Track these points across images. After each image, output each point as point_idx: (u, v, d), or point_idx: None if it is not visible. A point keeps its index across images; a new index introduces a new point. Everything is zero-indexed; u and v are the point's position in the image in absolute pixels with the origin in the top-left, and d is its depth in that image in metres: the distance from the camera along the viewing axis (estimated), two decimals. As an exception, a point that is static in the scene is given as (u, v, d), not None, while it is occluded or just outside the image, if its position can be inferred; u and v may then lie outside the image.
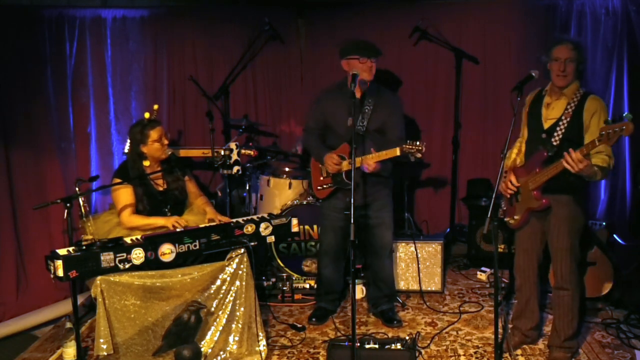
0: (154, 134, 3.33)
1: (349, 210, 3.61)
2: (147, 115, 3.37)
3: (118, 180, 3.30)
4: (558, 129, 2.97)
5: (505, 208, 3.24)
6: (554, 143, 2.97)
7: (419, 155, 3.28)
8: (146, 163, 3.38)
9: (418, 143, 3.26)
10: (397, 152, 3.33)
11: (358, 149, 3.49)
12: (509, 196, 3.17)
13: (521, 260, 3.27)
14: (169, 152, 3.48)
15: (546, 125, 3.04)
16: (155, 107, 3.42)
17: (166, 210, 3.43)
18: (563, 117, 2.96)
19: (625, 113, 2.58)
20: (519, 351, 3.31)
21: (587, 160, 2.73)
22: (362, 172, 3.47)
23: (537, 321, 3.34)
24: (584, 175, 2.79)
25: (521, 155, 3.22)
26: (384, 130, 3.54)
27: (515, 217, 3.15)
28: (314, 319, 3.81)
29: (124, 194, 3.32)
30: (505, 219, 3.22)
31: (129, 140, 3.47)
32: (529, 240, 3.20)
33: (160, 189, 3.44)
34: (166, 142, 3.39)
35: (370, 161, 3.40)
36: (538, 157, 2.99)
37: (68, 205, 2.92)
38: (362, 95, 3.52)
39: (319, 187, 3.73)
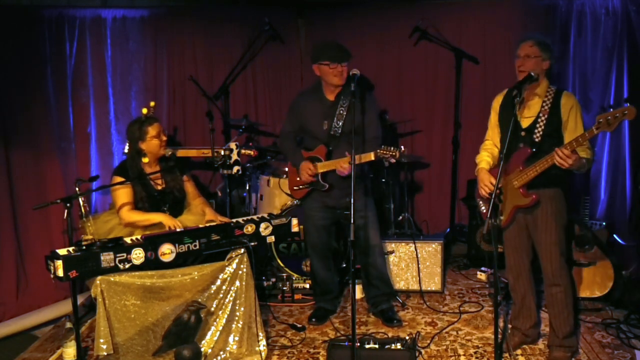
0: (152, 130, 3.34)
1: (327, 209, 3.65)
2: (144, 111, 3.39)
3: (117, 178, 3.32)
4: (538, 125, 3.01)
5: (485, 210, 3.20)
6: (536, 140, 3.00)
7: (393, 160, 3.29)
8: (145, 160, 3.38)
9: (393, 148, 3.27)
10: (372, 156, 3.35)
11: (335, 151, 3.53)
12: (487, 196, 3.13)
13: (512, 259, 3.27)
14: (169, 152, 3.49)
15: (525, 124, 3.06)
16: (152, 104, 3.44)
17: (165, 209, 3.44)
18: (541, 114, 3.01)
19: (625, 97, 2.61)
20: (519, 351, 3.31)
21: (575, 154, 2.78)
22: (337, 174, 3.50)
23: (535, 319, 3.34)
24: (574, 168, 2.84)
25: (494, 157, 3.24)
26: (359, 131, 3.53)
27: (501, 217, 3.15)
28: (313, 319, 3.81)
29: (123, 192, 3.34)
30: (489, 221, 3.17)
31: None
32: (517, 238, 3.20)
33: (159, 187, 3.45)
34: (164, 138, 3.41)
35: (345, 164, 3.41)
36: (520, 155, 3.01)
37: (68, 205, 2.93)
38: (336, 97, 3.53)
39: (295, 188, 3.76)
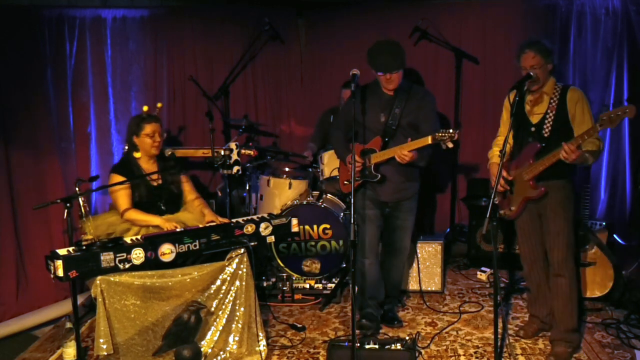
0: (148, 128, 3.40)
1: (378, 204, 3.57)
2: (145, 108, 3.45)
3: (116, 176, 3.38)
4: (546, 121, 3.14)
5: (497, 201, 3.31)
6: (545, 135, 3.14)
7: (450, 144, 3.20)
8: (137, 155, 3.44)
9: (451, 130, 3.17)
10: (429, 140, 3.24)
11: (390, 144, 3.50)
12: (502, 190, 3.27)
13: (525, 248, 3.37)
14: (169, 152, 3.52)
15: (534, 120, 3.19)
16: (159, 105, 3.53)
17: (161, 204, 3.47)
18: (549, 111, 3.13)
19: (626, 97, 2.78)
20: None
21: (579, 150, 2.91)
22: (391, 166, 3.46)
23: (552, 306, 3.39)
24: (577, 162, 2.97)
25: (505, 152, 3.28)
26: (417, 125, 3.51)
27: (512, 208, 3.27)
28: (363, 321, 3.62)
29: (123, 193, 3.38)
30: (501, 212, 3.33)
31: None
32: (530, 227, 3.30)
33: (155, 184, 3.48)
34: (158, 139, 3.43)
35: (405, 150, 3.32)
36: (530, 150, 3.16)
37: (68, 205, 2.94)
38: (394, 92, 3.50)
39: (345, 182, 3.70)
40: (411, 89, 3.55)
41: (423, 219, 5.28)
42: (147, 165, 3.48)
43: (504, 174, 3.22)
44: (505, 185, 3.25)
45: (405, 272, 4.20)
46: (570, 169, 3.13)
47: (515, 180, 3.22)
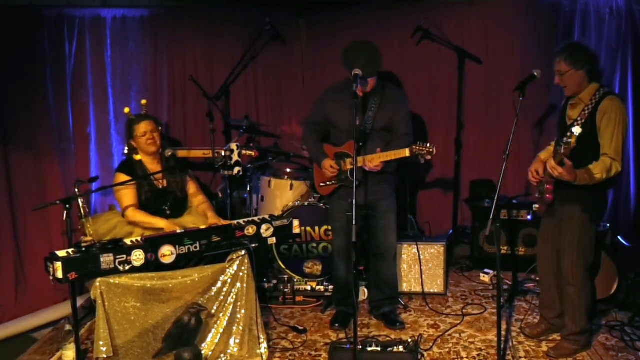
0: (138, 128, 3.41)
1: (352, 210, 3.60)
2: (126, 110, 3.47)
3: (121, 176, 3.39)
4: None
5: (538, 195, 3.31)
6: None
7: (428, 157, 3.29)
8: (137, 157, 3.45)
9: (429, 145, 3.26)
10: (407, 152, 3.31)
11: (364, 148, 3.48)
12: (535, 184, 3.26)
13: (541, 250, 3.39)
14: (169, 153, 3.51)
15: (569, 124, 3.16)
16: (143, 102, 3.52)
17: (166, 208, 3.47)
18: (579, 119, 3.05)
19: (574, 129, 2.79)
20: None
21: (562, 169, 2.86)
22: (364, 170, 3.46)
23: (560, 311, 3.38)
24: (566, 180, 2.91)
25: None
26: (390, 128, 3.52)
27: (536, 205, 3.29)
28: (336, 325, 3.72)
29: (128, 191, 3.39)
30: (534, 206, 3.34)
31: None
32: (549, 231, 3.31)
33: (160, 186, 3.49)
34: (152, 135, 3.43)
35: (376, 161, 3.37)
36: (555, 154, 3.11)
37: (67, 206, 2.92)
38: (367, 94, 3.48)
39: (322, 184, 3.70)
40: (385, 90, 3.52)
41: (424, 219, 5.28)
42: (152, 166, 3.50)
43: (540, 169, 3.19)
44: (535, 178, 3.21)
45: (401, 272, 4.18)
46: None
47: (544, 179, 3.23)
